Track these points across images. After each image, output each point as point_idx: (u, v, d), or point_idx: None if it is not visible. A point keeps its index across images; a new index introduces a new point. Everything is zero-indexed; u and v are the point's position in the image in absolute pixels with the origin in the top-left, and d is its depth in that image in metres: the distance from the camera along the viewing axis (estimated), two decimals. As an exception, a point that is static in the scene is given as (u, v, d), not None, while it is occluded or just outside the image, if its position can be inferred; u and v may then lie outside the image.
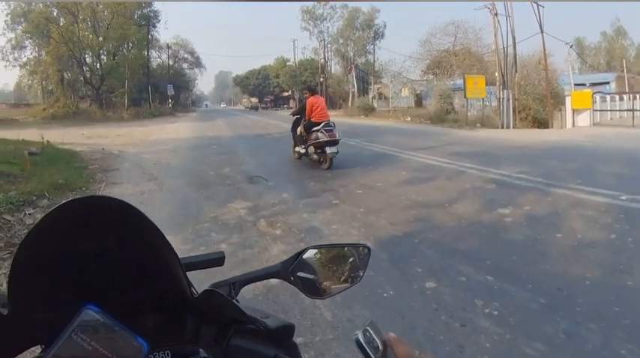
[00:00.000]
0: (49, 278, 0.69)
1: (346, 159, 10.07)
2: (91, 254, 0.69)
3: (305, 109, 10.00)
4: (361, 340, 0.68)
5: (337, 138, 9.28)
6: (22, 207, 5.97)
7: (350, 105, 43.99)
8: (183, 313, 0.81)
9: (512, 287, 3.43)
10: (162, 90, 49.19)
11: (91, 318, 0.59)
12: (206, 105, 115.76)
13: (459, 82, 29.91)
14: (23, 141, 13.11)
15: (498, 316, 3.01)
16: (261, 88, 74.94)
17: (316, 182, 7.90)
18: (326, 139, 9.19)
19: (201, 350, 0.79)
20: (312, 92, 10.39)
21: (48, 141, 12.62)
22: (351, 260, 0.95)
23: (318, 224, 5.37)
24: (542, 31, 23.53)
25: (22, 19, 38.59)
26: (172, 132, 21.98)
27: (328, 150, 9.16)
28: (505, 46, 24.48)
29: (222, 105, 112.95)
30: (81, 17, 39.33)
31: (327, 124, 9.47)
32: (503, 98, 22.95)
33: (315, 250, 0.93)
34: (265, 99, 69.64)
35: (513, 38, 24.13)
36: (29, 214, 5.74)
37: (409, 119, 27.65)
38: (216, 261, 1.09)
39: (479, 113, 24.97)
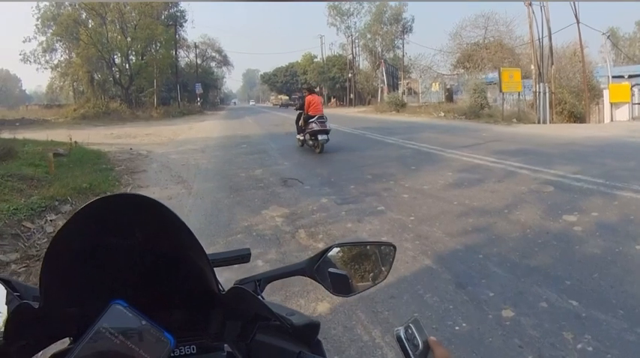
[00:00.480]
0: (79, 273, 0.72)
1: (387, 159, 9.98)
2: (120, 250, 0.73)
3: (304, 105, 11.97)
4: (402, 336, 0.70)
5: (328, 128, 11.32)
6: (44, 213, 5.65)
7: (379, 100, 43.36)
8: (208, 308, 0.82)
9: (602, 315, 2.93)
10: (190, 88, 49.97)
11: (118, 313, 0.58)
12: (234, 103, 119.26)
13: (491, 75, 29.21)
14: (52, 141, 13.09)
15: (595, 353, 2.54)
16: (289, 85, 75.31)
17: (357, 185, 7.34)
18: (319, 128, 11.21)
19: (225, 345, 0.80)
20: (310, 91, 12.44)
21: (76, 142, 12.50)
22: (375, 258, 0.95)
23: (366, 235, 4.83)
24: (577, 22, 22.61)
25: (52, 23, 39.42)
26: (201, 130, 21.95)
27: (320, 137, 11.15)
28: (540, 37, 23.53)
29: (250, 103, 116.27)
30: (109, 19, 39.95)
31: (321, 117, 11.45)
32: (539, 92, 22.05)
33: (340, 248, 0.93)
34: (293, 96, 69.83)
35: (549, 29, 23.08)
36: (50, 221, 5.44)
37: (442, 114, 26.85)
38: (242, 257, 1.15)
39: (512, 108, 24.15)
